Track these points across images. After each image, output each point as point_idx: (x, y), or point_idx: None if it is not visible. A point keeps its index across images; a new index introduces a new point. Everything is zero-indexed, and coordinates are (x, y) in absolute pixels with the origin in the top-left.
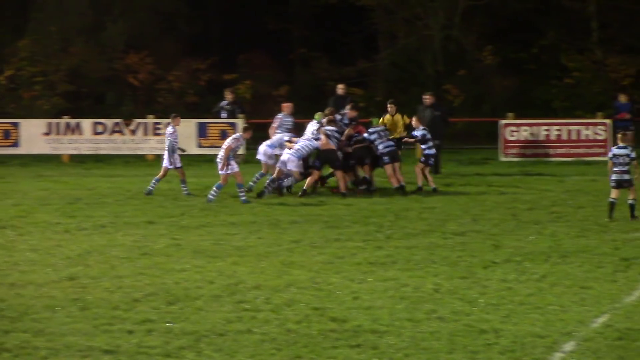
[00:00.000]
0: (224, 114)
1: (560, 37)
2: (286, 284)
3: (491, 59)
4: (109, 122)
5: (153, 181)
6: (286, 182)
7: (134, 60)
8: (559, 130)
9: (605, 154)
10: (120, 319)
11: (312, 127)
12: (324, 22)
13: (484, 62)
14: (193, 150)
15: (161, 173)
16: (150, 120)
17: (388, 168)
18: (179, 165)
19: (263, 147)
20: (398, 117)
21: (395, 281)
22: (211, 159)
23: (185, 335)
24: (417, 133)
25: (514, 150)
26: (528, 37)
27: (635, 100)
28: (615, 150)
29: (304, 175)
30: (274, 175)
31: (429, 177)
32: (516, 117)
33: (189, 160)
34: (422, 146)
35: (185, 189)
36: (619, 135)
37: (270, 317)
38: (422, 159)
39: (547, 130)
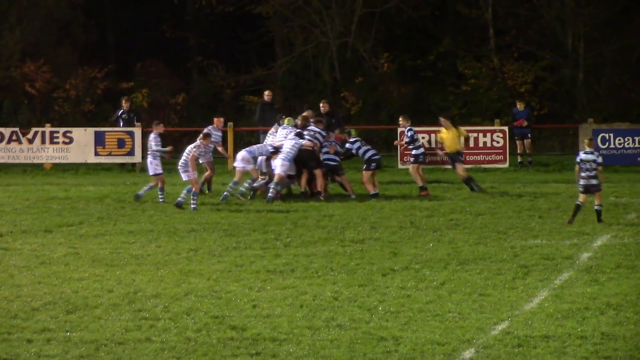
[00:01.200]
0: (121, 123)
1: (456, 44)
2: (185, 292)
3: (388, 66)
4: (6, 130)
5: (159, 194)
6: (256, 184)
7: (31, 69)
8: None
9: (503, 161)
10: (19, 328)
11: (282, 132)
12: (220, 30)
13: (381, 70)
14: (90, 159)
15: (159, 184)
16: (48, 128)
17: (368, 174)
18: (159, 172)
19: (242, 154)
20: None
21: (294, 289)
22: (109, 167)
23: (85, 344)
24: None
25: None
26: (425, 45)
27: (532, 107)
28: (582, 156)
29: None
30: (258, 179)
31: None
32: (413, 125)
33: (87, 169)
34: (410, 146)
35: (162, 196)
36: (586, 141)
37: (170, 326)
38: (412, 159)
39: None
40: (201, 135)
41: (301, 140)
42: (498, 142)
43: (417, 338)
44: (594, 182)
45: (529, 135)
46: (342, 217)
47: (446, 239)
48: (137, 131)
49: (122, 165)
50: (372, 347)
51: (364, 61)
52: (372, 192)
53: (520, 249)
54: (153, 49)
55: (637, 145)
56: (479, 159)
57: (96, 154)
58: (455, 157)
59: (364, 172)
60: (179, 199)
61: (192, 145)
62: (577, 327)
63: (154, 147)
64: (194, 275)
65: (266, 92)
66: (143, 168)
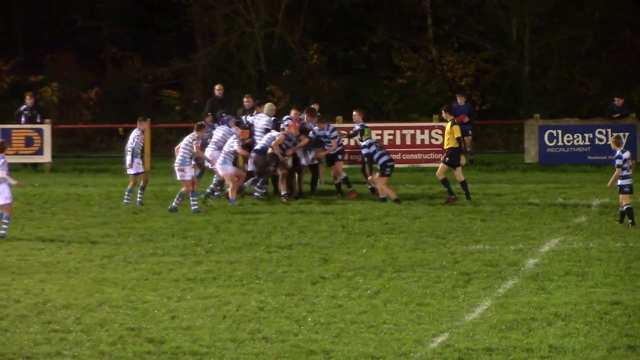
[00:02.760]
0: (24, 120)
1: (391, 34)
2: (98, 302)
3: (317, 58)
4: None
5: (139, 193)
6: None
7: None
8: (391, 134)
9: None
10: None
11: (262, 121)
12: (136, 19)
13: (310, 62)
14: None
15: (142, 182)
16: None
17: (384, 180)
18: (141, 170)
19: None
20: None
21: (217, 299)
22: (16, 167)
23: None
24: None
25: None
26: (357, 35)
27: (474, 102)
28: (625, 155)
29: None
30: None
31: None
32: (345, 121)
33: None
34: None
35: (141, 196)
36: (614, 140)
37: (82, 339)
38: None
39: (378, 134)
40: (195, 126)
41: (274, 133)
42: (437, 140)
43: (350, 351)
44: (629, 181)
45: (470, 132)
46: (269, 220)
47: (381, 245)
48: (47, 128)
49: (35, 165)
50: None
51: (292, 53)
52: (393, 197)
53: (461, 254)
54: (63, 40)
55: (587, 142)
56: (416, 157)
57: None
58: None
59: (379, 177)
60: (172, 204)
61: (189, 138)
62: (522, 339)
63: (139, 145)
64: (107, 284)
65: (217, 87)
66: (53, 168)
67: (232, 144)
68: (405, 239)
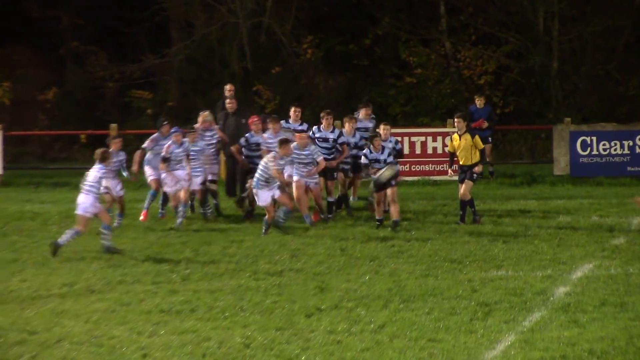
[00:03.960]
0: None
1: (399, 25)
2: (58, 338)
3: (312, 53)
4: None
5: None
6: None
7: None
8: (398, 142)
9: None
10: None
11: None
12: (101, 8)
13: (304, 57)
14: None
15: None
16: None
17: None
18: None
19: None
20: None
21: (195, 334)
22: None
23: None
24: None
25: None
26: (359, 25)
27: (494, 104)
28: None
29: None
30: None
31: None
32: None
33: None
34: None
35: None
36: None
37: None
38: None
39: None
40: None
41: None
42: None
43: None
44: None
45: (490, 139)
46: (255, 243)
47: (386, 270)
48: None
49: None
50: None
51: (283, 46)
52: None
53: (480, 282)
54: (17, 33)
55: (626, 151)
56: (427, 169)
57: None
58: (470, 173)
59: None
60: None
61: (270, 157)
62: None
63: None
64: (68, 316)
65: (227, 87)
66: (5, 182)
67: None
68: (415, 264)
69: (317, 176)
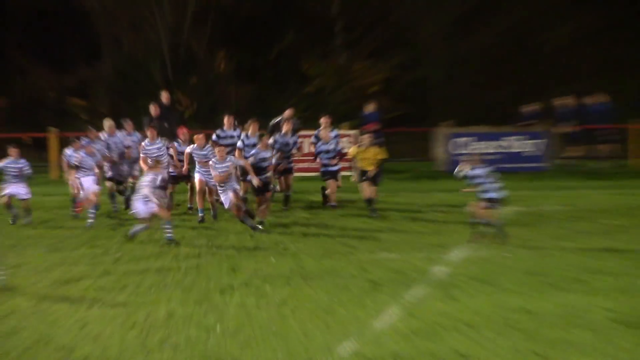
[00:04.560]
0: None
1: (300, 41)
2: (8, 311)
3: (225, 66)
4: None
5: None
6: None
7: None
8: (301, 142)
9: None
10: None
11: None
12: (41, 26)
13: (217, 70)
14: None
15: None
16: None
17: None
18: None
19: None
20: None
21: (125, 308)
22: None
23: None
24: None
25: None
26: (265, 42)
27: (384, 109)
28: None
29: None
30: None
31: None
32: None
33: None
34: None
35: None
36: None
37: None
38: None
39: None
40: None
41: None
42: (346, 148)
43: (258, 359)
44: None
45: (381, 139)
46: (176, 230)
47: (289, 253)
48: None
49: None
50: None
51: (199, 60)
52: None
53: (369, 263)
54: None
55: (496, 150)
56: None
57: None
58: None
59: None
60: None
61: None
62: (430, 346)
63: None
64: (17, 293)
65: (164, 94)
66: None
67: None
68: (314, 247)
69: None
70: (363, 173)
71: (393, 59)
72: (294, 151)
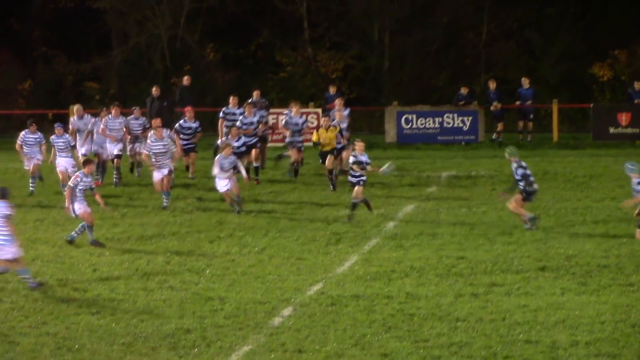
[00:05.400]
0: None
1: (274, 36)
2: (32, 258)
3: (213, 55)
4: None
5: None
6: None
7: None
8: (274, 118)
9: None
10: None
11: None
12: (63, 23)
13: (207, 59)
14: None
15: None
16: None
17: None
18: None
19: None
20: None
21: (130, 254)
22: None
23: None
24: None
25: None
26: (246, 36)
27: (343, 92)
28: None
29: None
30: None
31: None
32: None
33: None
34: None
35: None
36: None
37: (18, 288)
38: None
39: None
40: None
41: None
42: (312, 123)
43: (241, 298)
44: None
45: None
46: (173, 192)
47: (266, 208)
48: None
49: None
50: (200, 306)
51: (192, 51)
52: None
53: (333, 218)
54: (1, 40)
55: (436, 125)
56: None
57: None
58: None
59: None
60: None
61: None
62: (384, 288)
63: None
64: (40, 242)
65: (185, 77)
66: None
67: None
68: (287, 204)
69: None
70: (323, 154)
71: (351, 50)
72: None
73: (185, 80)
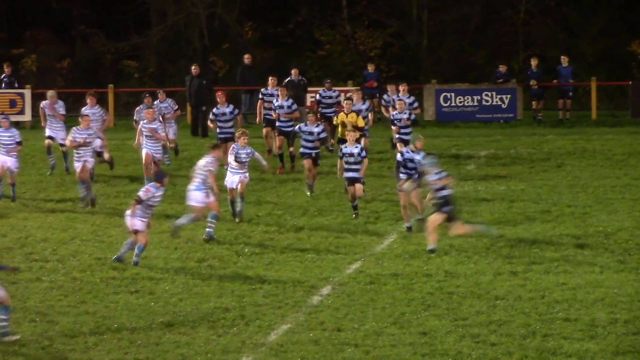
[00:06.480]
0: (3, 85)
1: (313, 14)
2: (71, 237)
3: (251, 34)
4: None
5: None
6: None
7: None
8: (312, 97)
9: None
10: None
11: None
12: (101, 1)
13: (245, 37)
14: None
15: None
16: None
17: None
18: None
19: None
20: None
21: (168, 234)
22: None
23: None
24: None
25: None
26: (284, 14)
27: (381, 70)
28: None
29: None
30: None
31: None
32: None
33: None
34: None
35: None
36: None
37: (57, 267)
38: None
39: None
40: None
41: None
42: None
43: (280, 277)
44: None
45: (378, 95)
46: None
47: (305, 189)
48: (27, 92)
49: (17, 123)
50: (239, 285)
51: (230, 29)
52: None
53: (372, 197)
54: (41, 19)
55: (475, 103)
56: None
57: None
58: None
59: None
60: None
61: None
62: (423, 266)
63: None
64: (78, 221)
65: (246, 56)
66: (33, 125)
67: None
68: (326, 184)
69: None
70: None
71: (389, 28)
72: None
73: (247, 59)
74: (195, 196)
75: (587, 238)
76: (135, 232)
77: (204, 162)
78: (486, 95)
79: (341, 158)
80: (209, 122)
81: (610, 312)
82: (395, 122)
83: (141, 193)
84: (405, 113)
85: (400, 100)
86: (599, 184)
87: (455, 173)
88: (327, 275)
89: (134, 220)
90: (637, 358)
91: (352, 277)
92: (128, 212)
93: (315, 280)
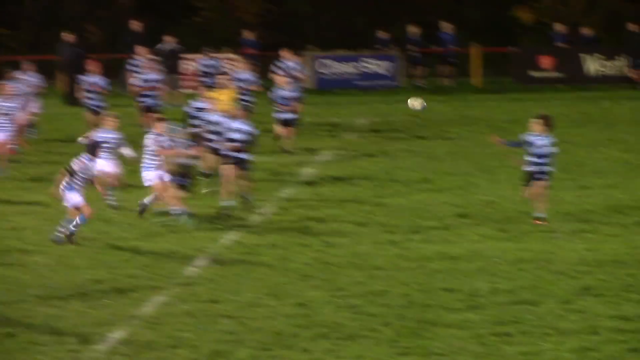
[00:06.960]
0: None
1: None
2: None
3: (128, 1)
4: None
5: None
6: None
7: None
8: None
9: None
10: None
11: None
12: None
13: (121, 3)
14: None
15: None
16: None
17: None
18: None
19: None
20: None
21: (40, 205)
22: None
23: None
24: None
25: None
26: None
27: (261, 37)
28: None
29: None
30: None
31: None
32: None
33: None
34: None
35: None
36: None
37: None
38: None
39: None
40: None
41: None
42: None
43: (153, 248)
44: None
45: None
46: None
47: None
48: None
49: None
50: (112, 257)
51: None
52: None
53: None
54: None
55: (353, 70)
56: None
57: None
58: None
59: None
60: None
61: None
62: (300, 237)
63: None
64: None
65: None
66: None
67: None
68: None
69: None
70: None
71: None
72: None
73: (135, 25)
74: (148, 176)
75: (468, 207)
76: (77, 208)
77: (149, 142)
78: (366, 62)
79: None
80: (79, 91)
81: (491, 282)
82: None
83: (74, 165)
84: None
85: None
86: (480, 151)
87: (335, 142)
88: (201, 246)
89: (72, 195)
90: (518, 328)
91: (227, 248)
92: (61, 185)
93: (190, 251)
